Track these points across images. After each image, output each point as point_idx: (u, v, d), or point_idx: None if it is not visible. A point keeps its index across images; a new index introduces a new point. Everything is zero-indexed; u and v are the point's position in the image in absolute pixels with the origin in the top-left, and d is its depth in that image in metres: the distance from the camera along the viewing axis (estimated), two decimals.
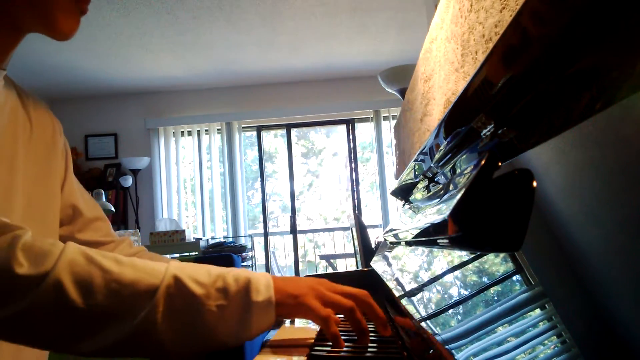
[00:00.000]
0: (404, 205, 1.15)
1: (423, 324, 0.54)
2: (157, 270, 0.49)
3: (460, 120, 0.52)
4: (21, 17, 0.61)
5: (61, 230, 0.75)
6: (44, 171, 0.70)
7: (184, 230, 3.75)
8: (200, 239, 3.92)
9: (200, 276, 0.50)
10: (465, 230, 0.39)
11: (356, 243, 1.76)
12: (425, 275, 0.62)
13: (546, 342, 0.30)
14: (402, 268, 0.81)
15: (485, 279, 0.41)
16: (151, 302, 0.47)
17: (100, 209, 0.84)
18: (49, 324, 0.45)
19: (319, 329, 0.63)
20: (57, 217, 0.73)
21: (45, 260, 0.46)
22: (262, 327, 0.51)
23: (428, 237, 0.50)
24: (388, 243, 1.08)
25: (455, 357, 0.41)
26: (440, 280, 0.55)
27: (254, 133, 4.75)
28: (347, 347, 0.56)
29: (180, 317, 0.48)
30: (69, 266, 0.46)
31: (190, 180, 4.62)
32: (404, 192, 1.15)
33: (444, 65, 0.60)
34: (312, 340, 0.61)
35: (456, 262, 0.50)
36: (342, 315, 0.56)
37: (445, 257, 0.55)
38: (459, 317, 0.45)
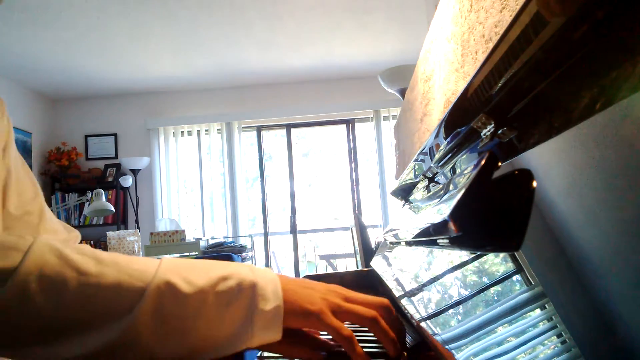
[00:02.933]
0: (404, 205, 1.15)
1: (423, 323, 0.54)
2: (145, 271, 0.43)
3: (460, 120, 0.52)
4: None
5: None
6: None
7: (184, 230, 3.75)
8: (200, 239, 3.92)
9: (197, 278, 0.44)
10: (465, 230, 0.39)
11: (356, 243, 1.76)
12: (425, 275, 0.62)
13: (546, 342, 0.30)
14: (402, 268, 0.81)
15: (485, 279, 0.41)
16: (136, 309, 0.41)
17: (36, 196, 0.69)
18: (13, 331, 0.39)
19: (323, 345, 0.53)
20: None
21: (9, 256, 0.40)
22: (265, 340, 0.45)
23: (428, 237, 0.50)
24: (388, 243, 1.08)
25: (456, 357, 0.41)
26: (441, 280, 0.55)
27: (254, 133, 4.75)
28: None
29: (171, 324, 0.42)
30: (37, 266, 0.40)
31: (190, 180, 4.62)
32: (404, 192, 1.15)
33: (444, 65, 0.60)
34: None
35: (456, 262, 0.50)
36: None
37: (445, 257, 0.55)
38: (459, 317, 0.45)
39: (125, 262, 0.43)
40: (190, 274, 0.44)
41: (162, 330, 0.42)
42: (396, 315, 0.51)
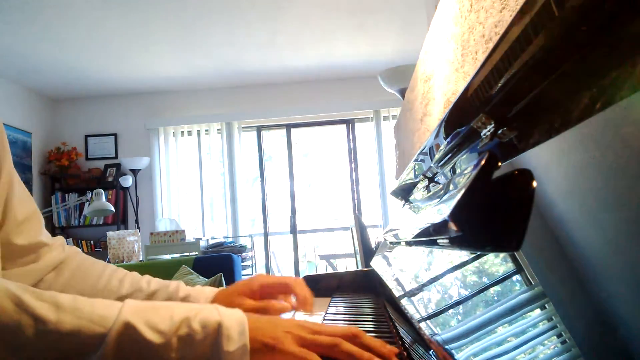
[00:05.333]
0: (403, 205, 1.15)
1: (423, 324, 0.54)
2: (106, 315, 0.43)
3: (460, 120, 0.52)
4: None
5: None
6: None
7: (184, 230, 3.75)
8: (200, 239, 3.92)
9: (159, 322, 0.44)
10: (465, 230, 0.39)
11: (356, 243, 1.76)
12: (426, 275, 0.62)
13: (546, 342, 0.30)
14: (402, 268, 0.81)
15: (485, 279, 0.41)
16: (97, 356, 0.41)
17: (32, 203, 0.72)
18: None
19: None
20: None
21: None
22: None
23: (428, 237, 0.50)
24: (388, 243, 1.08)
25: (455, 357, 0.41)
26: (441, 280, 0.55)
27: (254, 133, 4.75)
28: None
29: None
30: None
31: (190, 180, 4.62)
32: (404, 192, 1.15)
33: (444, 65, 0.60)
34: None
35: (456, 262, 0.50)
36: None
37: (445, 257, 0.55)
38: (459, 318, 0.45)
39: (87, 306, 0.43)
40: (153, 317, 0.44)
41: None
42: (365, 340, 0.50)
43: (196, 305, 0.48)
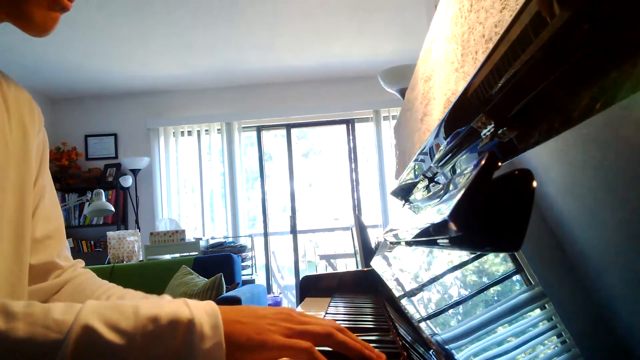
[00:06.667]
0: (403, 205, 1.15)
1: (423, 323, 0.54)
2: (63, 320, 0.39)
3: (460, 120, 0.52)
4: None
5: None
6: (19, 167, 0.60)
7: (184, 230, 3.75)
8: (200, 239, 3.92)
9: (122, 320, 0.40)
10: (465, 230, 0.39)
11: (356, 243, 1.76)
12: (426, 275, 0.62)
13: (546, 342, 0.30)
14: (402, 268, 0.81)
15: (485, 279, 0.41)
16: None
17: (58, 220, 0.69)
18: None
19: None
20: (30, 220, 0.62)
21: None
22: None
23: (428, 237, 0.50)
24: (388, 243, 1.08)
25: (455, 357, 0.41)
26: (441, 280, 0.55)
27: (254, 133, 4.75)
28: None
29: None
30: None
31: (190, 180, 4.62)
32: (404, 192, 1.15)
33: (444, 65, 0.60)
34: None
35: (456, 262, 0.50)
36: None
37: (445, 257, 0.55)
38: (459, 317, 0.45)
39: (42, 312, 0.40)
40: (114, 316, 0.41)
41: None
42: (349, 336, 0.48)
43: (165, 300, 0.45)
